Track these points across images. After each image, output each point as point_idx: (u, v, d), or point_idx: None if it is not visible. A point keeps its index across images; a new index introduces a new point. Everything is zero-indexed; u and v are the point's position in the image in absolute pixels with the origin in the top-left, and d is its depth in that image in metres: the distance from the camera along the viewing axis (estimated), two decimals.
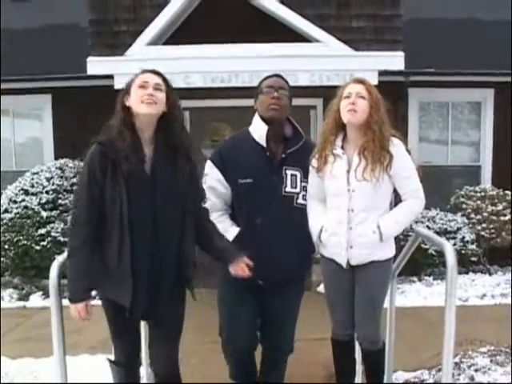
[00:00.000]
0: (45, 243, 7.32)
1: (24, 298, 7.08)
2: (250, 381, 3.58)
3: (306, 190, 3.33)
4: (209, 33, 7.11)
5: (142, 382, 3.29)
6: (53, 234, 7.37)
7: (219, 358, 3.61)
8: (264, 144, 3.28)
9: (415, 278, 7.50)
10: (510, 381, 4.17)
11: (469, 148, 9.37)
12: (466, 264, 7.77)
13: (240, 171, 3.26)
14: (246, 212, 3.27)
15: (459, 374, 4.32)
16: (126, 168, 2.66)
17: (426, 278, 7.55)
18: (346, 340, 3.45)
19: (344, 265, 3.25)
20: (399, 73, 7.56)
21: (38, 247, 7.31)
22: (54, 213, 7.59)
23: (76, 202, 2.85)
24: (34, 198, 7.64)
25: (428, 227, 7.62)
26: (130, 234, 2.68)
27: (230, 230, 3.26)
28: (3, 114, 9.11)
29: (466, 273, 7.75)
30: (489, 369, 4.39)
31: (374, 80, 6.18)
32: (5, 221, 7.48)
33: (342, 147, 3.25)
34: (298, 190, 3.31)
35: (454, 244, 7.44)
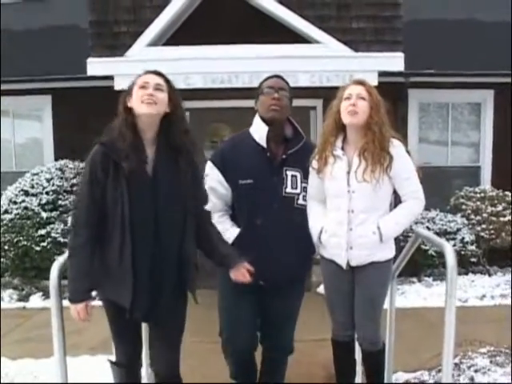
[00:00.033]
0: (45, 244, 7.32)
1: (24, 298, 7.08)
2: (250, 381, 3.58)
3: (306, 191, 3.33)
4: (209, 34, 7.12)
5: (142, 381, 3.28)
6: (53, 234, 7.37)
7: (219, 359, 3.61)
8: (264, 145, 3.28)
9: (415, 279, 7.50)
10: (509, 381, 4.17)
11: (469, 149, 9.38)
12: (465, 265, 7.77)
13: (240, 172, 3.26)
14: (247, 213, 3.27)
15: (459, 375, 4.33)
16: (127, 167, 2.65)
17: (426, 278, 7.55)
18: (346, 341, 3.45)
19: (344, 266, 3.25)
20: (399, 74, 7.56)
21: (37, 248, 7.31)
22: (53, 214, 7.59)
23: (77, 202, 2.85)
24: (34, 198, 7.64)
25: (428, 228, 7.62)
26: (131, 234, 2.68)
27: (230, 231, 3.27)
28: (3, 115, 9.12)
29: (466, 274, 7.75)
30: (489, 369, 4.39)
31: (373, 81, 6.19)
32: (5, 221, 7.48)
33: (342, 148, 3.25)
34: (298, 190, 3.31)
35: (454, 245, 7.44)
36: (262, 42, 6.81)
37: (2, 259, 7.53)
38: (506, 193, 8.15)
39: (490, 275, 7.80)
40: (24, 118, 9.57)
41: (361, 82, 3.26)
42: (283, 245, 3.26)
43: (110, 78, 6.97)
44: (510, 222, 7.85)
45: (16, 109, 9.31)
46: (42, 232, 7.39)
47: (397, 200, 3.32)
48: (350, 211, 3.18)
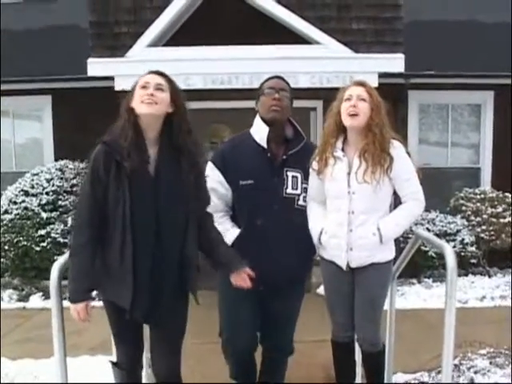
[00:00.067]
0: (45, 244, 7.33)
1: (24, 298, 7.09)
2: (249, 381, 3.59)
3: (306, 192, 3.33)
4: (209, 34, 7.12)
5: (141, 382, 3.28)
6: (53, 235, 7.38)
7: (219, 359, 3.61)
8: (265, 145, 3.28)
9: (415, 280, 7.51)
10: (510, 383, 4.17)
11: (468, 150, 9.39)
12: (465, 266, 7.77)
13: (241, 172, 3.26)
14: (247, 213, 3.27)
15: (459, 376, 4.33)
16: (129, 167, 2.65)
17: (426, 280, 7.56)
18: (346, 342, 3.45)
19: (344, 267, 3.25)
20: (399, 75, 7.58)
21: (37, 248, 7.32)
22: (53, 214, 7.59)
23: (79, 202, 2.85)
24: (33, 199, 7.65)
25: (428, 229, 7.62)
26: (132, 234, 2.67)
27: (230, 232, 3.27)
28: (3, 115, 9.13)
29: (466, 275, 7.75)
30: (488, 371, 4.39)
31: (374, 82, 6.18)
32: (5, 222, 7.49)
33: (343, 149, 3.25)
34: (298, 191, 3.31)
35: (454, 246, 7.45)
36: (263, 42, 6.82)
37: (1, 259, 7.54)
38: (506, 194, 8.16)
39: (489, 276, 7.80)
40: (24, 118, 9.58)
41: (361, 84, 3.26)
42: (283, 246, 3.26)
43: (111, 78, 6.98)
44: (510, 223, 7.86)
45: (16, 109, 9.31)
46: (42, 232, 7.39)
47: (397, 201, 3.31)
48: (351, 212, 3.18)
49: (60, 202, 7.70)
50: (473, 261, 7.85)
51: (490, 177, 9.09)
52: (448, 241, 7.33)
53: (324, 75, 7.03)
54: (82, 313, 2.72)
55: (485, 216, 7.93)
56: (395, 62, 7.06)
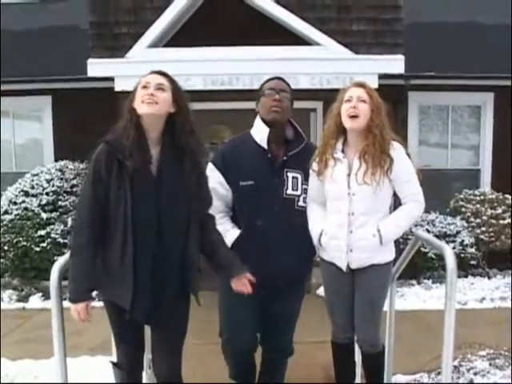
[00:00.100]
0: (44, 245, 7.32)
1: (23, 299, 7.08)
2: (249, 381, 3.59)
3: (307, 193, 3.33)
4: (209, 35, 7.12)
5: (142, 382, 3.28)
6: (52, 235, 7.37)
7: (220, 359, 3.61)
8: (265, 146, 3.28)
9: (414, 282, 7.50)
10: None
11: (468, 151, 9.39)
12: (465, 267, 7.77)
13: (241, 173, 3.27)
14: (247, 214, 3.27)
15: (458, 378, 4.33)
16: (131, 166, 2.65)
17: (426, 281, 7.55)
18: (346, 343, 3.45)
19: (344, 268, 3.25)
20: (399, 76, 7.58)
21: (37, 249, 7.32)
22: (53, 214, 7.59)
23: (80, 202, 2.83)
24: (33, 199, 7.64)
25: (427, 230, 7.63)
26: (133, 234, 2.67)
27: (230, 232, 3.27)
28: (3, 116, 9.12)
29: (466, 276, 7.75)
30: (488, 372, 4.40)
31: (374, 83, 6.18)
32: (5, 222, 7.48)
33: (343, 151, 3.25)
34: (299, 192, 3.31)
35: (454, 247, 7.44)
36: (263, 43, 6.82)
37: (1, 260, 7.53)
38: (506, 196, 8.16)
39: (489, 278, 7.80)
40: (24, 119, 9.57)
41: (361, 85, 3.26)
42: (283, 246, 3.26)
43: (111, 79, 6.98)
44: (510, 224, 7.86)
45: (16, 109, 9.30)
46: (42, 233, 7.39)
47: (396, 202, 3.32)
48: (351, 214, 3.18)
49: (60, 203, 7.70)
50: (472, 262, 7.85)
51: (489, 178, 9.09)
52: (448, 242, 7.32)
53: (324, 76, 7.03)
54: (83, 313, 2.72)
55: (484, 217, 7.93)
56: (395, 64, 7.06)
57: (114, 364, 3.10)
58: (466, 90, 8.92)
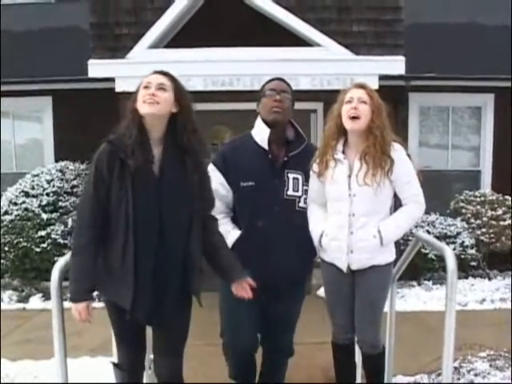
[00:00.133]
0: (45, 245, 7.33)
1: (24, 300, 7.08)
2: (249, 381, 3.59)
3: (307, 194, 3.33)
4: (210, 36, 7.11)
5: (143, 383, 3.28)
6: (53, 236, 7.38)
7: (221, 360, 3.60)
8: (266, 147, 3.28)
9: (415, 283, 7.50)
10: None
11: (469, 153, 9.39)
12: (465, 269, 7.77)
13: (242, 174, 3.27)
14: (248, 215, 3.27)
15: (459, 379, 4.33)
16: (133, 165, 2.64)
17: (426, 282, 7.55)
18: (347, 344, 3.45)
19: (344, 269, 3.24)
20: (400, 77, 7.57)
21: (37, 249, 7.32)
22: (54, 215, 7.59)
23: (82, 202, 2.82)
24: (34, 200, 7.65)
25: (428, 232, 7.63)
26: (135, 233, 2.66)
27: (231, 233, 3.26)
28: (4, 116, 9.13)
29: (466, 277, 7.75)
30: (488, 373, 4.40)
31: (374, 84, 6.18)
32: (5, 223, 7.49)
33: (343, 152, 3.25)
34: (299, 193, 3.31)
35: (454, 249, 7.44)
36: (263, 44, 6.82)
37: (1, 260, 7.54)
38: (506, 197, 8.16)
39: (489, 279, 7.80)
40: (24, 119, 9.58)
41: (362, 86, 3.26)
42: (284, 247, 3.26)
43: (111, 79, 6.99)
44: (510, 226, 7.87)
45: (16, 110, 9.31)
46: (42, 233, 7.39)
47: (397, 203, 3.32)
48: (351, 215, 3.18)
49: (60, 203, 7.70)
50: (473, 263, 7.85)
51: (490, 179, 9.09)
52: (448, 243, 7.31)
53: (325, 77, 7.04)
54: (84, 313, 2.71)
55: (485, 219, 7.93)
56: (396, 65, 7.07)
57: (114, 365, 3.09)
58: (466, 91, 8.92)
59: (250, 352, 3.49)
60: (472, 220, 8.02)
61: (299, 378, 4.18)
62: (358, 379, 3.71)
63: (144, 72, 2.91)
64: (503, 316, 6.02)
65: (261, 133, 3.31)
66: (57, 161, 8.65)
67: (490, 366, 4.53)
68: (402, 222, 3.22)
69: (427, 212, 7.36)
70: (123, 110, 2.84)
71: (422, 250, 7.20)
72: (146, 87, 2.75)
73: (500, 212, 7.94)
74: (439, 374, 4.15)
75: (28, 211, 7.53)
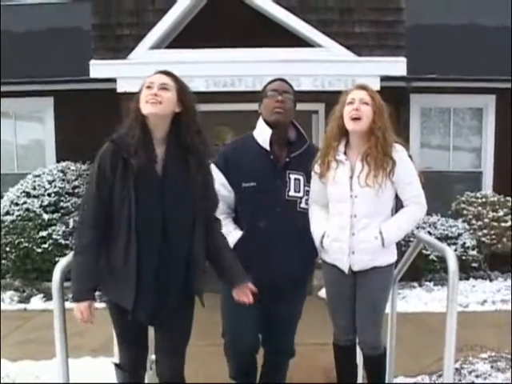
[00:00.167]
0: (46, 246, 7.34)
1: (25, 300, 7.09)
2: (249, 381, 3.59)
3: (309, 195, 3.33)
4: (211, 37, 7.12)
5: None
6: (54, 236, 7.38)
7: (222, 361, 3.60)
8: (268, 148, 3.29)
9: (416, 284, 7.50)
10: None
11: (470, 154, 9.39)
12: (466, 270, 7.76)
13: (243, 175, 3.27)
14: (250, 216, 3.27)
15: (460, 380, 4.33)
16: (136, 164, 2.64)
17: (427, 283, 7.55)
18: (348, 345, 3.44)
19: (346, 270, 3.24)
20: (401, 78, 7.58)
21: (39, 250, 7.33)
22: (55, 215, 7.60)
23: (84, 201, 2.82)
24: (35, 200, 7.66)
25: (429, 233, 7.62)
26: (137, 233, 2.66)
27: (232, 234, 3.26)
28: (5, 117, 9.14)
29: (467, 279, 7.74)
30: (489, 375, 4.39)
31: (376, 85, 6.19)
32: (6, 223, 7.50)
33: (345, 153, 3.25)
34: (301, 194, 3.31)
35: (455, 250, 7.43)
36: (265, 45, 6.83)
37: (3, 261, 7.55)
38: (508, 198, 8.16)
39: (490, 280, 7.79)
40: (26, 120, 9.60)
41: (363, 87, 3.26)
42: (285, 248, 3.26)
43: (113, 80, 7.00)
44: (511, 227, 7.85)
45: (18, 110, 9.33)
46: (44, 234, 7.40)
47: (398, 205, 3.31)
48: (353, 216, 3.18)
49: (62, 204, 7.71)
50: (474, 265, 7.85)
51: (491, 181, 9.09)
52: (449, 244, 7.30)
53: (326, 78, 7.05)
54: (86, 312, 2.70)
55: (486, 220, 7.93)
56: (397, 66, 7.07)
57: (116, 365, 3.09)
58: (467, 93, 8.93)
59: (251, 352, 3.49)
60: (473, 221, 8.02)
61: (300, 378, 4.18)
62: (359, 380, 3.71)
63: (146, 73, 2.91)
64: (504, 317, 6.01)
65: (263, 133, 3.31)
66: (58, 161, 8.67)
67: (491, 367, 4.52)
68: (403, 224, 3.22)
69: (428, 213, 7.33)
70: (125, 110, 2.84)
71: (424, 251, 7.21)
72: (148, 87, 2.75)
73: (501, 213, 7.93)
74: (440, 376, 4.15)
75: (29, 212, 7.54)
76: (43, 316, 6.19)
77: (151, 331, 3.05)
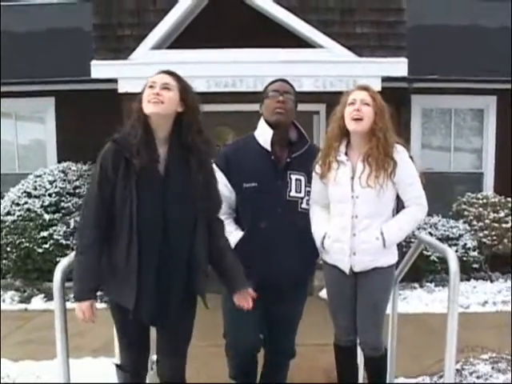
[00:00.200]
0: (47, 246, 7.33)
1: (26, 300, 7.09)
2: (250, 382, 3.59)
3: (310, 195, 3.33)
4: (213, 37, 7.13)
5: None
6: (55, 236, 7.38)
7: (224, 361, 3.60)
8: (269, 148, 3.29)
9: (417, 285, 7.49)
10: None
11: (471, 155, 9.39)
12: (467, 271, 7.75)
13: (245, 175, 3.27)
14: (251, 216, 3.27)
15: (461, 381, 4.33)
16: (138, 164, 2.64)
17: (428, 284, 7.55)
18: (349, 346, 3.44)
19: (347, 271, 3.24)
20: (402, 79, 7.58)
21: (40, 250, 7.33)
22: (56, 215, 7.60)
23: (86, 201, 2.81)
24: (36, 200, 7.66)
25: (430, 234, 7.61)
26: (139, 233, 2.66)
27: (233, 234, 3.26)
28: (6, 117, 9.14)
29: (468, 280, 7.74)
30: (490, 376, 4.39)
31: (377, 86, 6.19)
32: (7, 223, 7.50)
33: (346, 154, 3.25)
34: (302, 194, 3.31)
35: (456, 251, 7.42)
36: (266, 46, 6.83)
37: (4, 261, 7.55)
38: (509, 199, 8.15)
39: (491, 281, 7.79)
40: (27, 120, 9.60)
41: (365, 88, 3.26)
42: (286, 248, 3.26)
43: (114, 80, 7.00)
44: None
45: (19, 110, 9.33)
46: (45, 234, 7.40)
47: (399, 205, 3.31)
48: (354, 216, 3.18)
49: (63, 204, 7.71)
50: (475, 266, 7.84)
51: (492, 182, 9.09)
52: (450, 245, 7.29)
53: (327, 79, 7.05)
54: (88, 312, 2.70)
55: (487, 221, 7.92)
56: (398, 66, 7.08)
57: (117, 366, 3.09)
58: (468, 93, 8.93)
59: (252, 353, 3.48)
60: (474, 222, 8.01)
61: (301, 379, 4.19)
62: (360, 381, 3.71)
63: (147, 73, 2.91)
64: (505, 318, 6.01)
65: (264, 134, 3.31)
66: (59, 161, 8.67)
67: (492, 368, 4.52)
68: (404, 224, 3.22)
69: (429, 214, 7.36)
70: (127, 110, 2.84)
71: (425, 252, 7.20)
72: (150, 87, 2.75)
73: (502, 214, 7.93)
74: (441, 376, 4.14)
75: (30, 212, 7.55)
76: (44, 316, 6.19)
77: (153, 331, 3.05)
